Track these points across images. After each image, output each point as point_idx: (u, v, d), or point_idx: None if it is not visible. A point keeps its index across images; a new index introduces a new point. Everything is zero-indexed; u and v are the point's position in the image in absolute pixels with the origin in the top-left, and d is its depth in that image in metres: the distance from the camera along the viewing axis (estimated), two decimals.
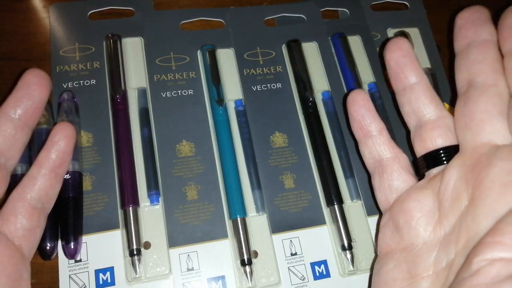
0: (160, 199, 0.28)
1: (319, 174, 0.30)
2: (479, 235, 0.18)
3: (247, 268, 0.26)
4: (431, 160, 0.23)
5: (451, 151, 0.22)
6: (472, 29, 0.22)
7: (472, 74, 0.21)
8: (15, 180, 0.25)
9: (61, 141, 0.23)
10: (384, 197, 0.25)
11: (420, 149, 0.24)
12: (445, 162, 0.22)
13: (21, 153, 0.22)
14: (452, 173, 0.21)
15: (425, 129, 0.23)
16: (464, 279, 0.17)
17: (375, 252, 0.26)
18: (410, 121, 0.24)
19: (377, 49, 0.35)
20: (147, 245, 0.27)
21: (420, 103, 0.23)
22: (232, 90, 0.32)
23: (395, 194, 0.24)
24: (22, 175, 0.25)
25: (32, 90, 0.22)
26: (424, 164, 0.23)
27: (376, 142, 0.25)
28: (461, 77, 0.22)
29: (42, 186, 0.22)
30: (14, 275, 0.20)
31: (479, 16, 0.22)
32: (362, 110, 0.25)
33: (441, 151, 0.23)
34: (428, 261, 0.21)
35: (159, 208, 0.28)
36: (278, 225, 0.28)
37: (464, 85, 0.22)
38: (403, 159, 0.25)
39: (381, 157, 0.25)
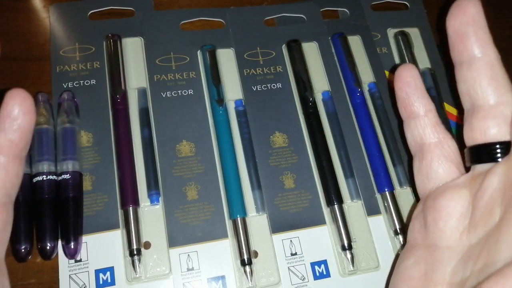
0: (160, 199, 0.28)
1: (319, 174, 0.30)
2: (495, 265, 0.16)
3: (247, 268, 0.26)
4: (476, 155, 0.19)
5: (504, 148, 0.18)
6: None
7: None
8: None
9: (20, 118, 0.18)
10: (421, 184, 0.22)
11: (468, 139, 0.20)
12: (495, 160, 0.19)
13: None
14: (493, 178, 0.18)
15: (477, 117, 0.19)
16: None
17: (403, 241, 0.25)
18: (465, 103, 0.20)
19: (378, 48, 0.35)
20: (147, 245, 0.27)
21: (476, 84, 0.19)
22: (232, 90, 0.32)
23: (433, 183, 0.21)
24: (23, 175, 0.25)
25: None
26: (469, 158, 0.20)
27: (419, 124, 0.22)
28: None
29: (7, 177, 0.18)
30: None
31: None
32: (407, 88, 0.22)
33: (489, 146, 0.19)
34: (447, 269, 0.19)
35: (159, 208, 0.28)
36: (278, 225, 0.28)
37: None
38: (448, 146, 0.22)
39: (423, 140, 0.22)
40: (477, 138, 0.19)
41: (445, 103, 0.34)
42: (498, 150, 0.18)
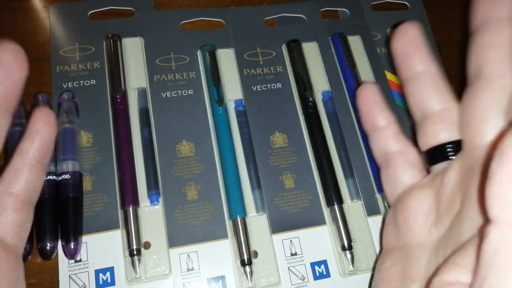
0: (160, 199, 0.28)
1: (319, 174, 0.30)
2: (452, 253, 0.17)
3: (247, 268, 0.26)
4: (432, 156, 0.21)
5: (455, 147, 0.20)
6: (488, 5, 0.19)
7: (480, 61, 0.19)
8: None
9: (43, 129, 0.21)
10: (390, 191, 0.24)
11: (423, 144, 0.22)
12: (449, 158, 0.21)
13: (3, 140, 0.20)
14: (451, 174, 0.19)
15: (428, 123, 0.21)
16: None
17: (380, 247, 0.25)
18: (415, 114, 0.23)
19: (378, 48, 0.35)
20: (147, 245, 0.27)
21: (423, 95, 0.22)
22: (232, 90, 0.32)
23: (400, 189, 0.23)
24: None
25: (9, 70, 0.19)
26: (426, 160, 0.22)
27: (382, 136, 0.24)
28: (470, 65, 0.20)
29: (29, 178, 0.21)
30: (12, 278, 0.19)
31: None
32: (369, 103, 0.24)
33: (442, 147, 0.21)
34: (421, 264, 0.20)
35: (159, 208, 0.28)
36: (278, 225, 0.28)
37: (472, 74, 0.19)
38: (410, 154, 0.23)
39: (387, 150, 0.24)
40: (431, 141, 0.21)
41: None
42: (451, 149, 0.20)
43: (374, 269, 0.24)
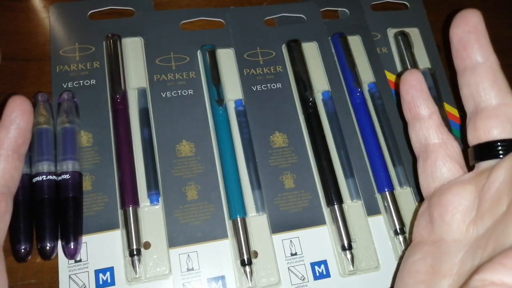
0: (160, 199, 0.28)
1: (319, 174, 0.30)
2: (504, 248, 0.16)
3: (247, 268, 0.26)
4: (481, 152, 0.20)
5: (507, 146, 0.20)
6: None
7: None
8: None
9: (18, 118, 0.21)
10: (426, 184, 0.23)
11: (472, 139, 0.21)
12: (499, 156, 0.20)
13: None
14: (499, 172, 0.19)
15: (481, 117, 0.21)
16: None
17: (408, 239, 0.25)
18: (468, 106, 0.22)
19: (378, 48, 0.35)
20: (147, 245, 0.27)
21: (479, 87, 0.21)
22: (232, 90, 0.32)
23: (437, 182, 0.22)
24: (23, 175, 0.25)
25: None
26: (473, 156, 0.21)
27: (424, 126, 0.23)
28: None
29: (6, 169, 0.21)
30: None
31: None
32: (412, 91, 0.23)
33: (493, 144, 0.20)
34: (454, 260, 0.19)
35: (159, 208, 0.28)
36: (278, 225, 0.28)
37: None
38: (452, 147, 0.23)
39: (427, 141, 0.23)
40: (481, 137, 0.20)
41: (444, 103, 0.34)
42: (502, 147, 0.20)
43: (400, 261, 0.24)
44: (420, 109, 0.23)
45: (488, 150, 0.20)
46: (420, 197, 0.26)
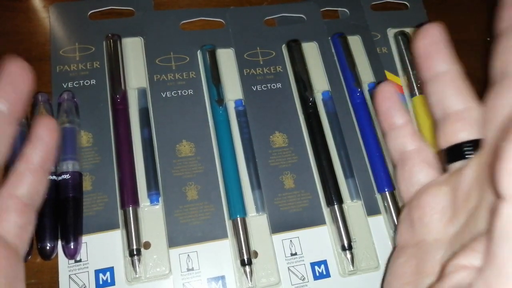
0: (160, 199, 0.28)
1: (319, 174, 0.30)
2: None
3: (247, 268, 0.26)
4: (451, 155, 0.22)
5: (475, 146, 0.21)
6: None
7: (506, 62, 0.19)
8: None
9: (45, 135, 0.22)
10: (405, 190, 0.24)
11: (442, 142, 0.23)
12: (467, 157, 0.21)
13: (8, 146, 0.22)
14: (468, 171, 0.20)
15: (449, 122, 0.22)
16: (435, 283, 0.17)
17: (394, 244, 0.26)
18: (436, 113, 0.23)
19: (378, 48, 0.35)
20: (147, 245, 0.27)
21: (445, 94, 0.22)
22: (232, 90, 0.32)
23: (416, 186, 0.23)
24: None
25: (16, 82, 0.21)
26: (445, 158, 0.22)
27: (399, 134, 0.24)
28: (495, 65, 0.20)
29: (31, 182, 0.22)
30: (11, 275, 0.20)
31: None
32: (387, 102, 0.25)
33: (462, 145, 0.21)
34: (435, 259, 0.20)
35: (159, 208, 0.28)
36: (278, 225, 0.28)
37: (497, 74, 0.20)
38: (427, 152, 0.24)
39: (404, 149, 0.24)
40: (451, 139, 0.22)
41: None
42: (469, 148, 0.21)
43: (387, 265, 0.24)
44: (395, 118, 0.24)
45: (457, 152, 0.22)
46: None
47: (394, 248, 0.25)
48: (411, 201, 0.23)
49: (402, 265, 0.22)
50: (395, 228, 0.26)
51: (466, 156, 0.21)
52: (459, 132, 0.21)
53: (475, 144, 0.21)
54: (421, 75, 0.24)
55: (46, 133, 0.22)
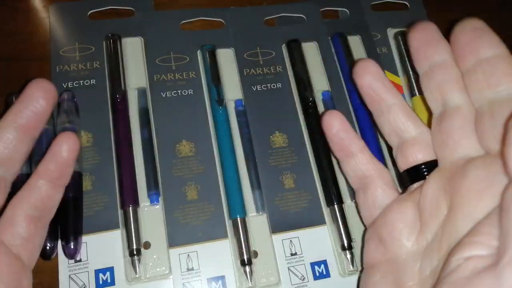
0: (160, 199, 0.28)
1: (319, 174, 0.30)
2: (460, 238, 0.19)
3: (247, 268, 0.26)
4: (413, 175, 0.24)
5: (431, 166, 0.23)
6: (430, 50, 0.23)
7: (442, 94, 0.22)
8: (15, 182, 0.25)
9: (62, 152, 0.22)
10: (368, 213, 0.25)
11: (403, 165, 0.24)
12: (425, 177, 0.23)
13: (22, 164, 0.22)
14: (430, 185, 0.22)
15: (406, 146, 0.24)
16: (443, 277, 0.18)
17: (361, 265, 0.26)
18: (392, 140, 0.25)
19: (378, 48, 0.35)
20: (147, 245, 0.27)
21: (399, 122, 0.24)
22: (232, 90, 0.32)
23: (379, 209, 0.25)
24: (23, 175, 0.25)
25: (36, 103, 0.21)
26: (408, 179, 0.24)
27: (358, 161, 0.25)
28: (432, 97, 0.23)
29: (39, 196, 0.22)
30: (12, 283, 0.20)
31: (432, 35, 0.23)
32: (340, 133, 0.26)
33: (422, 166, 0.23)
34: (413, 270, 0.21)
35: (159, 208, 0.28)
36: (278, 225, 0.28)
37: (438, 105, 0.23)
38: (386, 175, 0.25)
39: (364, 174, 0.25)
40: (410, 161, 0.24)
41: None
42: (426, 168, 0.23)
43: (358, 286, 0.25)
44: (351, 147, 0.26)
45: (417, 172, 0.23)
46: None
47: (362, 269, 0.25)
48: (376, 221, 0.24)
49: (378, 282, 0.23)
50: (362, 249, 0.26)
51: (425, 176, 0.23)
52: (417, 154, 0.24)
53: (431, 165, 0.23)
54: (370, 109, 0.26)
55: (62, 150, 0.22)
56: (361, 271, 0.26)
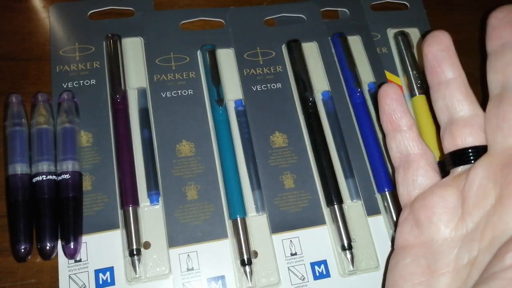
0: (160, 199, 0.28)
1: (319, 174, 0.30)
2: (506, 234, 0.18)
3: (247, 268, 0.26)
4: (459, 158, 0.23)
5: (480, 151, 0.22)
6: (507, 29, 0.21)
7: (507, 76, 0.21)
8: (14, 180, 0.25)
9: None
10: (406, 192, 0.25)
11: (449, 146, 0.23)
12: (472, 161, 0.22)
13: None
14: (478, 172, 0.21)
15: (457, 126, 0.23)
16: (496, 273, 0.18)
17: (392, 246, 0.26)
18: (442, 117, 0.24)
19: (378, 48, 0.35)
20: (147, 245, 0.27)
21: (454, 99, 0.23)
22: (232, 90, 0.32)
23: (418, 190, 0.24)
24: (22, 175, 0.25)
25: None
26: (451, 161, 0.23)
27: (405, 137, 0.25)
28: (495, 78, 0.22)
29: None
30: None
31: None
32: (394, 103, 0.25)
33: (469, 150, 0.22)
34: (449, 257, 0.21)
35: (159, 208, 0.28)
36: (278, 225, 0.28)
37: (498, 87, 0.22)
38: (430, 156, 0.25)
39: (408, 152, 0.25)
40: (458, 144, 0.23)
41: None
42: (474, 153, 0.22)
43: (386, 270, 0.24)
44: (401, 121, 0.25)
45: (463, 156, 0.22)
46: None
47: (393, 249, 0.25)
48: (415, 202, 0.24)
49: (409, 265, 0.22)
50: (395, 229, 0.25)
51: (471, 161, 0.22)
52: (467, 136, 0.22)
53: (479, 150, 0.22)
54: (428, 80, 0.24)
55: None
56: (390, 252, 0.26)
